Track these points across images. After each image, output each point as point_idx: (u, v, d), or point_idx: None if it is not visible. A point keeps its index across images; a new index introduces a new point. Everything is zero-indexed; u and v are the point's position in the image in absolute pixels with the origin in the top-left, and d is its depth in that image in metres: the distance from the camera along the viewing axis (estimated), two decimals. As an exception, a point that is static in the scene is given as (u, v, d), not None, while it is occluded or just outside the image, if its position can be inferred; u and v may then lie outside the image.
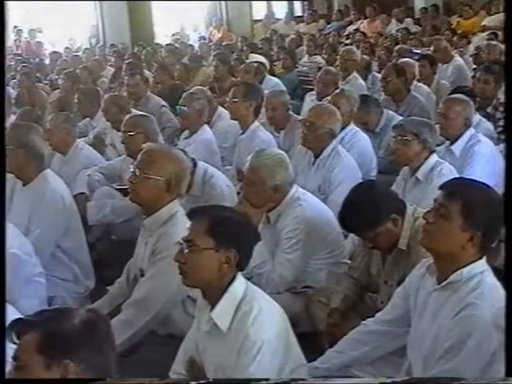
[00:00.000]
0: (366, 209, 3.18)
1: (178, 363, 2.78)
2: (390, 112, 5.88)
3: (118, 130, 5.26)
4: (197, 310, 2.75)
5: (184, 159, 3.40)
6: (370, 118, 5.74)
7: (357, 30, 13.52)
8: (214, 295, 2.58)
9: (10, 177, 4.03)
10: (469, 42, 9.98)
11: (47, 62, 12.34)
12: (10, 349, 1.95)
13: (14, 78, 9.57)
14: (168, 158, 3.30)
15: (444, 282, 2.52)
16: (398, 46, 9.47)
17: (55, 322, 1.88)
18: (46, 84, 9.58)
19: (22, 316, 2.07)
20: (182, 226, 3.07)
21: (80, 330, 1.87)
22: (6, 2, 2.44)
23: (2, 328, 1.85)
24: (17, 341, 1.88)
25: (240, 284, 2.59)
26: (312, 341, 3.37)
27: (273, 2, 17.05)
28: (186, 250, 2.59)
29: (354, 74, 7.68)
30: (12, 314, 2.50)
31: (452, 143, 4.66)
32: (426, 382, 2.07)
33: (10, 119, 5.86)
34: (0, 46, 2.87)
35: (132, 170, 3.30)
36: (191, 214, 2.69)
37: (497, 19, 12.54)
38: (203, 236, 2.57)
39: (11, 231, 3.50)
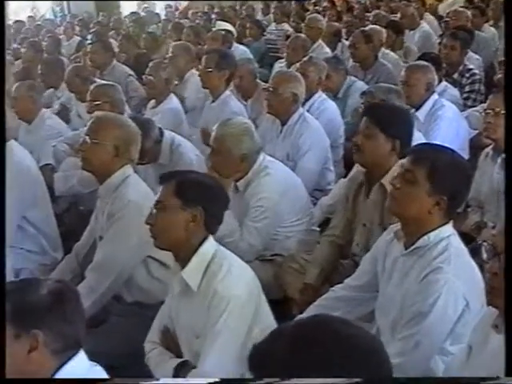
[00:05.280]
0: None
1: (152, 332, 2.80)
2: (352, 78, 5.88)
3: (82, 101, 5.21)
4: (172, 274, 2.77)
5: (131, 125, 3.44)
6: (337, 80, 5.74)
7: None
8: (184, 256, 2.61)
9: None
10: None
11: (11, 31, 12.11)
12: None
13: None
14: (115, 123, 3.38)
15: (411, 247, 2.54)
16: (374, 12, 9.43)
17: (23, 293, 1.87)
18: (9, 54, 9.41)
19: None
20: (135, 187, 3.11)
21: (48, 300, 1.86)
22: (5, 1, 2.39)
23: (1, 328, 1.83)
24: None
25: (210, 245, 2.62)
26: (281, 307, 3.40)
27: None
28: (155, 211, 2.64)
29: (320, 42, 7.66)
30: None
31: (417, 110, 4.69)
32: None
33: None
34: (0, 46, 2.82)
35: (82, 138, 3.36)
36: (161, 179, 2.72)
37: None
38: (170, 196, 2.61)
39: None
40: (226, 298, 2.50)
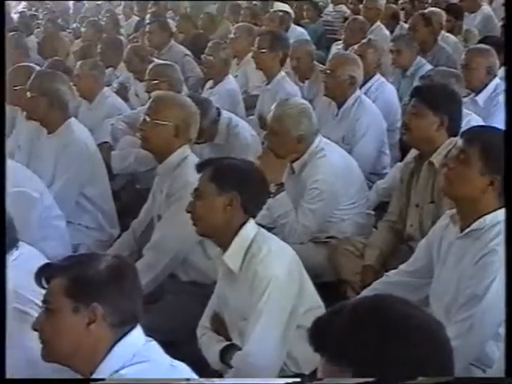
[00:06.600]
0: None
1: (205, 317, 2.83)
2: (423, 60, 5.83)
3: (141, 80, 5.26)
4: (216, 260, 2.80)
5: (192, 105, 3.44)
6: (408, 56, 5.72)
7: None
8: (225, 241, 2.64)
9: (34, 124, 4.06)
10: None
11: (71, 11, 12.28)
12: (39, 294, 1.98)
13: (38, 27, 9.55)
14: (175, 103, 3.40)
15: (467, 230, 2.51)
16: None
17: (83, 267, 1.91)
18: (70, 33, 9.55)
19: (49, 261, 2.10)
20: (194, 168, 3.12)
21: (107, 275, 1.89)
22: (5, 1, 2.42)
23: (2, 330, 1.87)
24: (46, 285, 1.92)
25: (250, 229, 2.64)
26: (335, 290, 3.39)
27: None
28: (193, 199, 2.68)
29: (378, 23, 7.58)
30: (36, 256, 2.52)
31: (477, 94, 4.61)
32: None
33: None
34: (0, 46, 2.86)
35: (143, 117, 3.38)
36: (198, 167, 2.76)
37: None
38: (206, 183, 2.65)
39: (20, 171, 3.53)
40: (266, 278, 2.52)
